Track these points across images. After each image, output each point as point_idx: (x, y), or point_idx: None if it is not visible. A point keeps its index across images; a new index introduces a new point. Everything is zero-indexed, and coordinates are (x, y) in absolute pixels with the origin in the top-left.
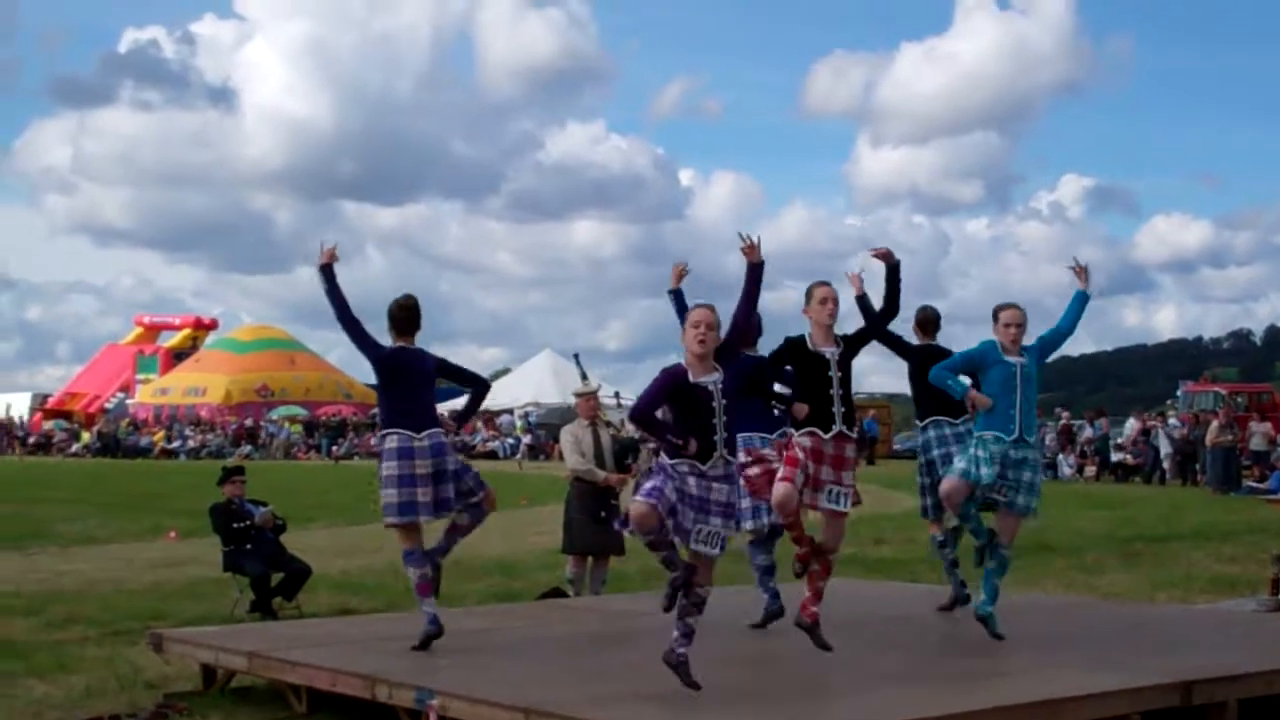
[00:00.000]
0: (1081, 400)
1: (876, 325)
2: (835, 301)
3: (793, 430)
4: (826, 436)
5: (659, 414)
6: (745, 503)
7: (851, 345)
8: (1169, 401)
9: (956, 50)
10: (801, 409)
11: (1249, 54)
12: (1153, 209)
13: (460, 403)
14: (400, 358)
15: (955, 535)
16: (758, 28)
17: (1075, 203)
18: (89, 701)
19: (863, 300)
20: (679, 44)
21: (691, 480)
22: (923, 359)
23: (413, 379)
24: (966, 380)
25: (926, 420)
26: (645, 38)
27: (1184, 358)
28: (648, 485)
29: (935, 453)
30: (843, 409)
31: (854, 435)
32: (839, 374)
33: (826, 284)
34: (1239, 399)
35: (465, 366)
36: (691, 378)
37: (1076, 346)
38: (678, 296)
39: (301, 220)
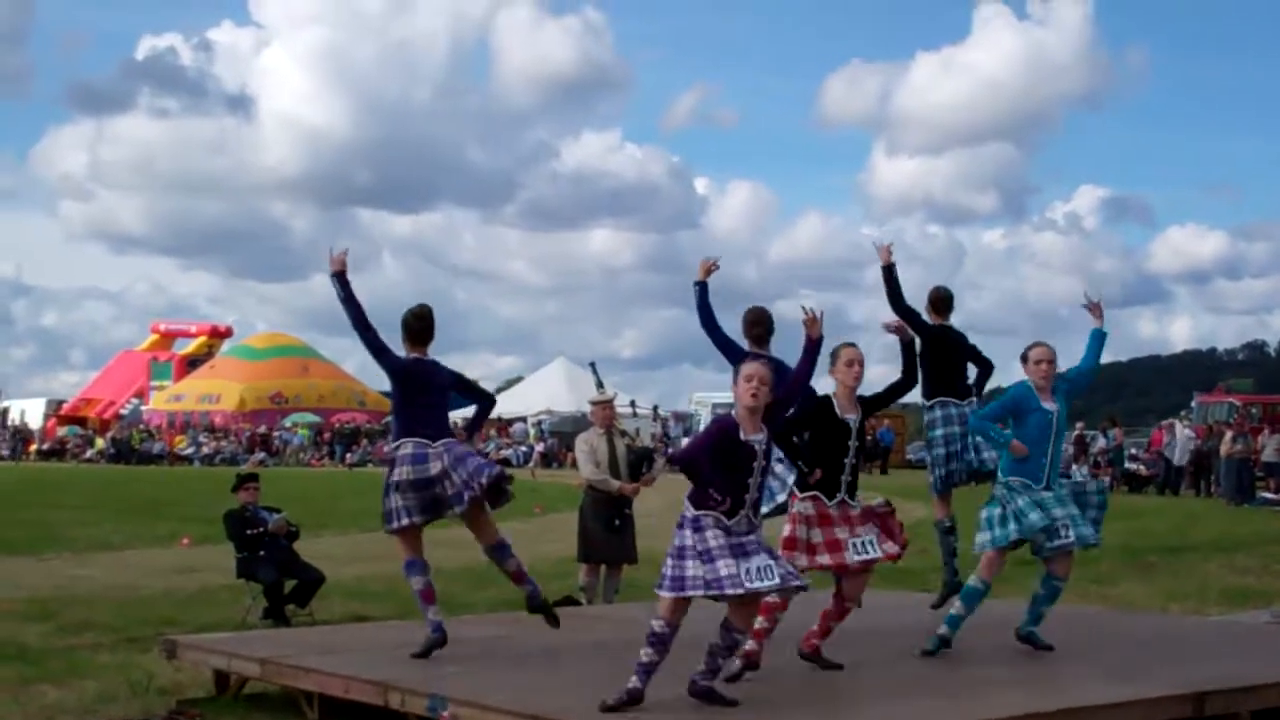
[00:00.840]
0: (1096, 410)
1: (896, 391)
2: (861, 364)
3: (797, 491)
4: (830, 503)
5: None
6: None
7: (869, 409)
8: (1183, 413)
9: (973, 60)
10: (816, 475)
11: (1266, 65)
12: (1168, 220)
13: (467, 412)
14: (417, 369)
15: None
16: (773, 37)
17: (1091, 213)
18: (102, 707)
19: (889, 271)
20: (695, 53)
21: (718, 533)
22: (935, 339)
23: (429, 390)
24: (1008, 434)
25: (933, 400)
26: (661, 47)
27: (1199, 369)
28: (674, 574)
29: (939, 431)
30: (850, 478)
31: (855, 505)
32: (856, 443)
33: (853, 345)
34: (1253, 410)
35: (475, 381)
36: (741, 435)
37: None
38: (702, 290)
39: (317, 228)
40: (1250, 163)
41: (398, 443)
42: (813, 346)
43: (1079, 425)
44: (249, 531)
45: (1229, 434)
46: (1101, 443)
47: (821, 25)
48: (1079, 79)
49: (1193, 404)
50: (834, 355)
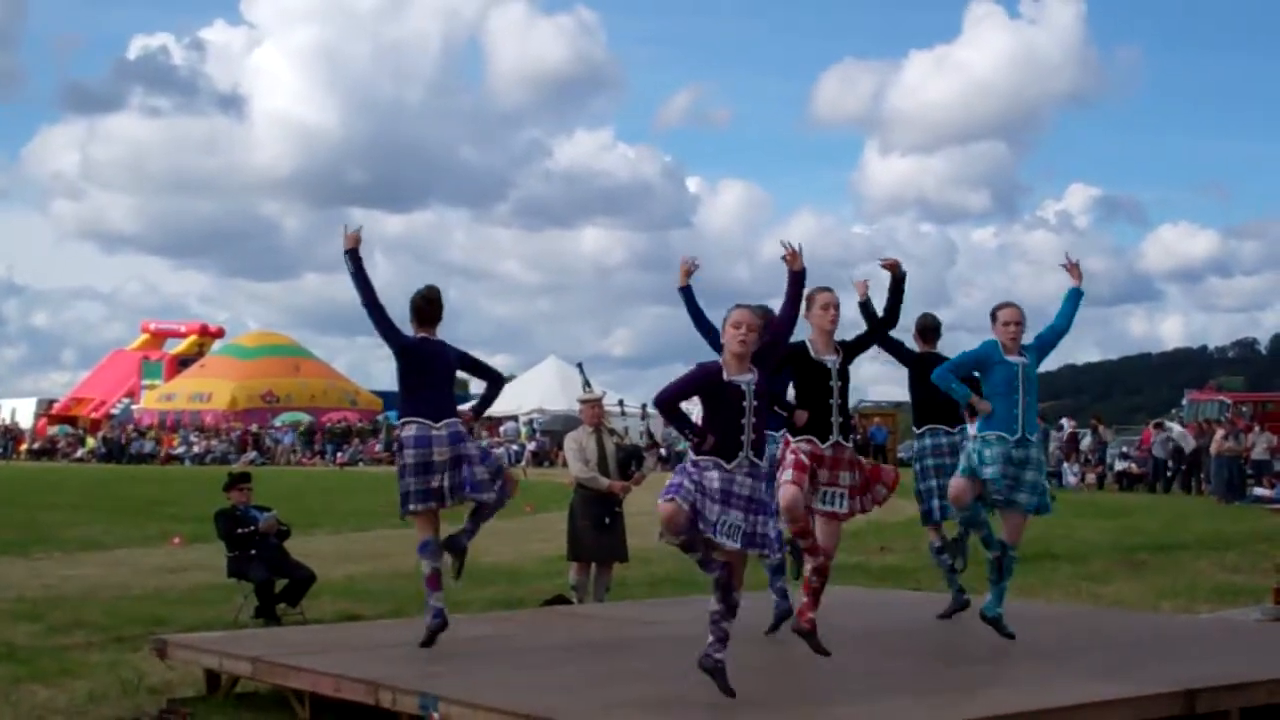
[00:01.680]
0: (1087, 409)
1: (876, 331)
2: (837, 308)
3: (790, 436)
4: (824, 445)
5: (689, 410)
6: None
7: (850, 352)
8: (1173, 410)
9: (965, 59)
10: (802, 416)
11: (1257, 65)
12: (1160, 218)
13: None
14: (423, 348)
15: (957, 545)
16: (766, 36)
17: (1082, 212)
18: (92, 707)
19: (866, 307)
20: (688, 52)
21: (714, 474)
22: (922, 366)
23: (435, 370)
24: (967, 389)
25: (923, 428)
26: (654, 46)
27: (1189, 366)
28: (668, 483)
29: (930, 461)
30: (840, 419)
31: (849, 445)
32: (839, 383)
33: (828, 290)
34: (1244, 408)
35: (484, 361)
36: (726, 375)
37: (1082, 355)
38: (688, 294)
39: (309, 227)
40: (1241, 162)
41: (402, 422)
42: (795, 280)
43: (1071, 424)
44: (239, 531)
45: (1220, 432)
46: (1088, 440)
47: (814, 25)
48: (1071, 78)
49: (1184, 402)
50: (809, 300)
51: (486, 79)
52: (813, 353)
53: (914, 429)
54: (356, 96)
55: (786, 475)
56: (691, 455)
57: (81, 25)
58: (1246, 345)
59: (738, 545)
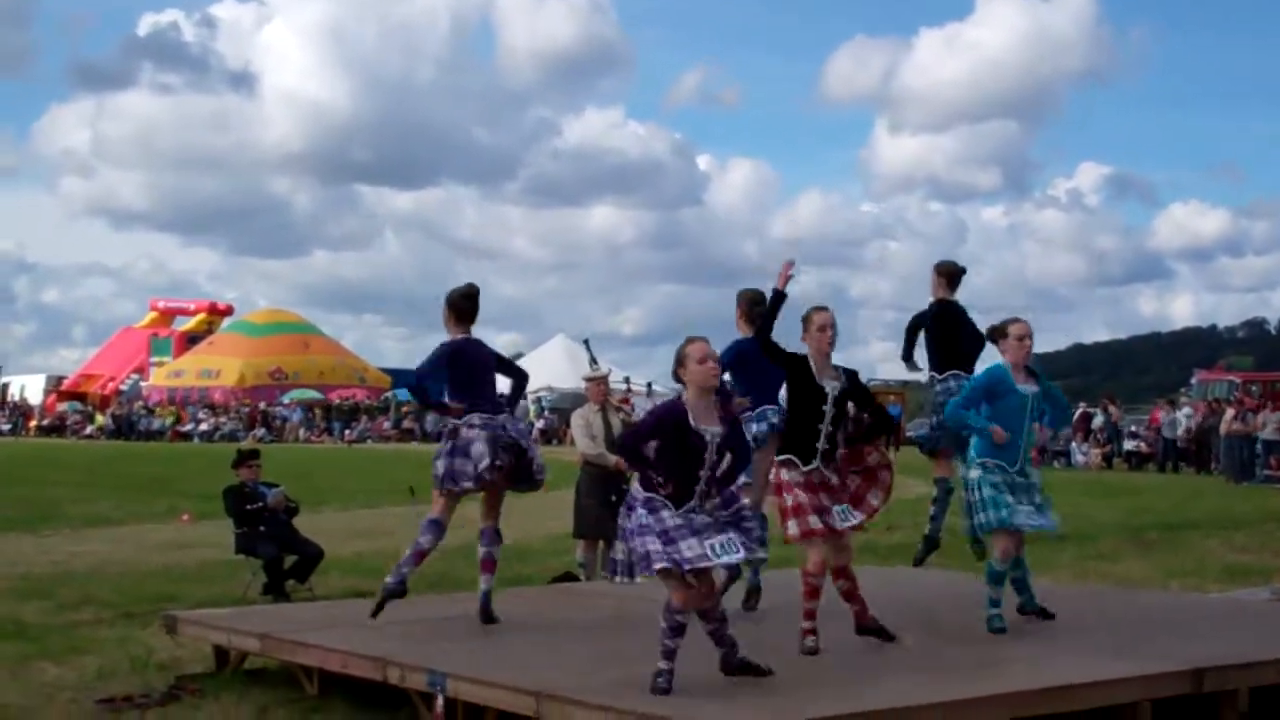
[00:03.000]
0: (1096, 388)
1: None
2: (834, 328)
3: (775, 458)
4: (804, 469)
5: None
6: None
7: (853, 393)
8: (1182, 390)
9: (977, 37)
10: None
11: (1271, 44)
12: (1170, 197)
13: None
14: (469, 348)
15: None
16: (776, 13)
17: (1093, 191)
18: (102, 683)
19: (777, 298)
20: (698, 30)
21: (665, 514)
22: (937, 318)
23: (485, 368)
24: (984, 420)
25: (946, 374)
26: (664, 24)
27: (1199, 346)
28: (642, 552)
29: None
30: (826, 447)
31: (832, 477)
32: (833, 411)
33: (824, 309)
34: (1253, 388)
35: (511, 360)
36: (692, 421)
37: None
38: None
39: (318, 204)
40: (1253, 141)
41: (467, 418)
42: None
43: (1081, 404)
44: (248, 507)
45: (1230, 412)
46: (1099, 420)
47: (825, 2)
48: (1083, 56)
49: (1193, 381)
50: (805, 320)
51: (496, 56)
52: (814, 373)
53: (935, 375)
54: (367, 74)
55: (794, 527)
56: (640, 494)
57: (92, 2)
58: (1256, 325)
59: (740, 555)
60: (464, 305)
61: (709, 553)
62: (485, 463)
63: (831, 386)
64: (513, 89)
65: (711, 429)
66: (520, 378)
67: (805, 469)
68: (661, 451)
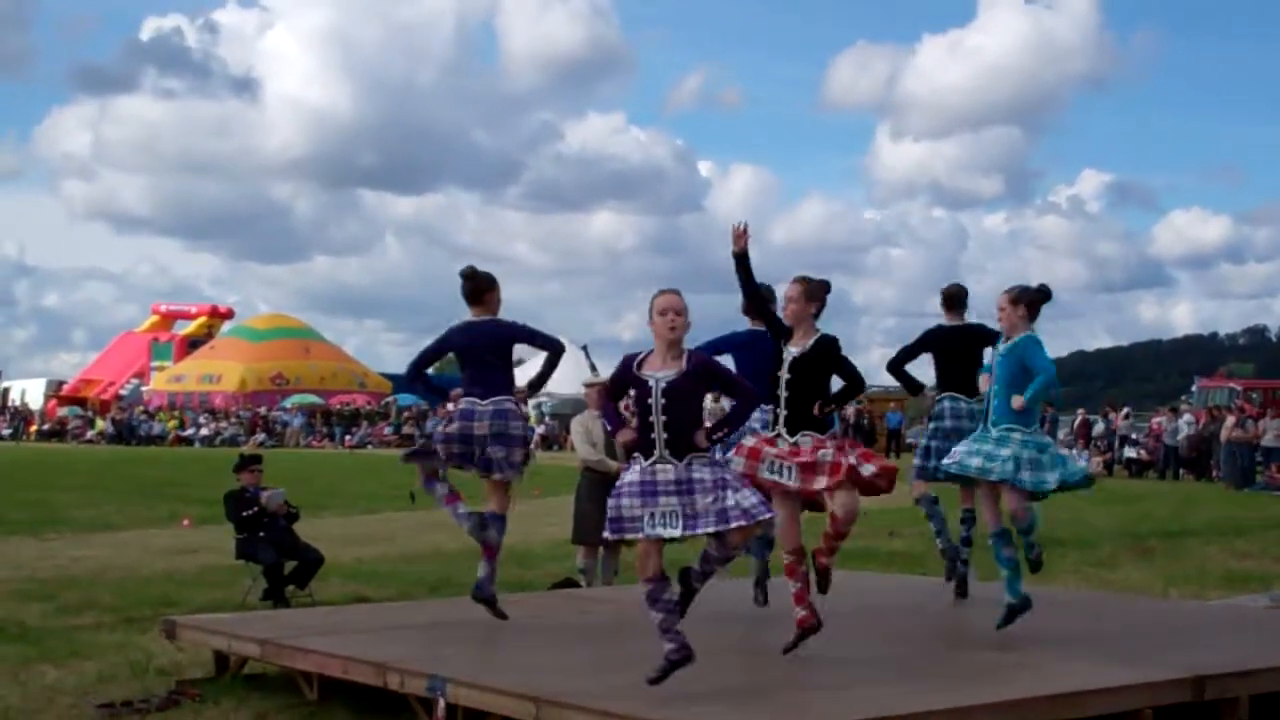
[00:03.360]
0: (1097, 395)
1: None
2: (793, 300)
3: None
4: (763, 432)
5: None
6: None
7: (822, 362)
8: (1183, 397)
9: (979, 43)
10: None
11: (1272, 50)
12: (1172, 204)
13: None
14: (460, 338)
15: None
16: (778, 19)
17: (1094, 197)
18: (101, 687)
19: (742, 259)
20: (699, 35)
21: (632, 471)
22: (940, 342)
23: (479, 351)
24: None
25: (944, 395)
26: (666, 29)
27: (1200, 353)
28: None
29: (948, 423)
30: (786, 413)
31: (798, 442)
32: (789, 376)
33: (794, 281)
34: (1254, 395)
35: (542, 331)
36: (637, 369)
37: (1092, 341)
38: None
39: (320, 209)
40: (1255, 148)
41: (459, 401)
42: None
43: (1080, 411)
44: (244, 513)
45: (1231, 419)
46: (1100, 427)
47: (827, 8)
48: (1085, 63)
49: (1194, 388)
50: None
51: (498, 62)
52: (784, 340)
53: (932, 394)
54: (369, 79)
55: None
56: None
57: (94, 6)
58: (1257, 332)
59: (678, 532)
60: (463, 287)
61: (644, 523)
62: (439, 448)
63: (791, 352)
64: (514, 93)
65: (656, 374)
66: (554, 349)
67: (765, 432)
68: (631, 402)
